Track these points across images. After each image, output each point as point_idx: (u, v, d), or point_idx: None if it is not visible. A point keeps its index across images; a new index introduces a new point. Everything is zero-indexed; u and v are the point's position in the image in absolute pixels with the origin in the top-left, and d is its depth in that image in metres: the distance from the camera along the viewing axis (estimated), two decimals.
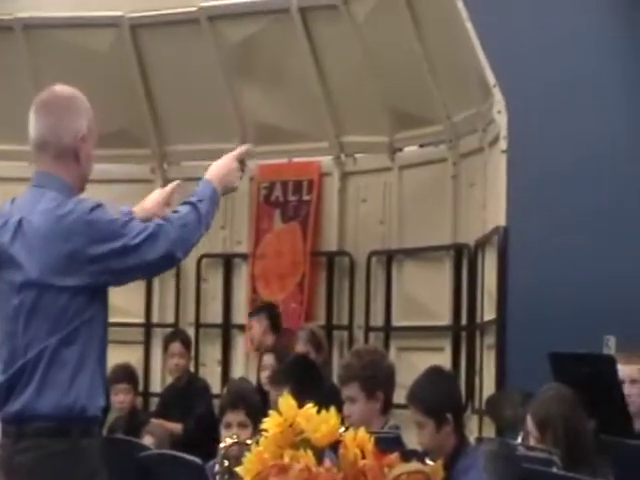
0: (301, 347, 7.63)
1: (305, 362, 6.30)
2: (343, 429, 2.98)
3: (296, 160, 9.67)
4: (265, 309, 8.75)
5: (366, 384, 4.99)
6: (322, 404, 3.00)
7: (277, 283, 9.28)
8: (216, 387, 8.89)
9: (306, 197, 9.39)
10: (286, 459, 2.92)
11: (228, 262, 9.57)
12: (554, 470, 3.60)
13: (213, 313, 9.71)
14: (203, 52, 9.33)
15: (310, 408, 2.99)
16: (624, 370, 4.99)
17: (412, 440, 4.77)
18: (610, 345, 6.19)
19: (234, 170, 3.95)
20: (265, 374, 7.29)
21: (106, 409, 4.88)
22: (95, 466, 3.69)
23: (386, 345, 8.43)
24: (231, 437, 4.60)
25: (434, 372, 5.06)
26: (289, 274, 9.32)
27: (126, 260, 3.62)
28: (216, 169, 3.92)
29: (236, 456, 3.71)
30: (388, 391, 5.03)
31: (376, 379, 5.00)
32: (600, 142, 7.47)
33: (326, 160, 9.51)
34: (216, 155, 4.02)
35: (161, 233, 3.65)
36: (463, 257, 8.26)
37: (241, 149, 4.09)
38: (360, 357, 5.12)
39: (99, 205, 3.66)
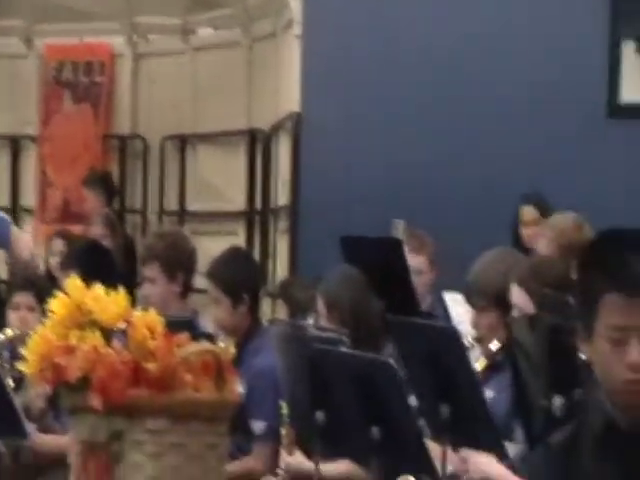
0: (97, 230, 7.69)
1: (95, 247, 6.36)
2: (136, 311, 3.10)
3: (87, 40, 9.58)
4: (101, 179, 8.63)
5: (167, 265, 5.07)
6: (114, 288, 3.10)
7: (68, 166, 9.30)
8: (3, 272, 8.83)
9: (98, 79, 9.39)
10: (72, 340, 2.97)
11: (15, 143, 9.46)
12: (343, 349, 3.81)
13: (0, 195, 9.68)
14: None
15: (98, 289, 3.08)
16: (412, 260, 5.29)
17: (208, 326, 4.96)
18: (399, 229, 6.51)
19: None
20: (55, 259, 7.28)
21: None
22: None
23: None
24: (19, 319, 4.71)
25: (235, 251, 5.22)
26: (80, 157, 9.34)
27: None
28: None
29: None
30: (188, 274, 5.18)
31: (177, 260, 5.11)
32: (398, 27, 7.65)
33: (118, 41, 9.44)
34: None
35: None
36: (257, 142, 8.41)
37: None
38: (162, 238, 5.21)
39: None
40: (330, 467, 3.98)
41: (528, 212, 6.56)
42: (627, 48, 7.80)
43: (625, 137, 7.41)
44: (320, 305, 4.46)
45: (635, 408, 2.30)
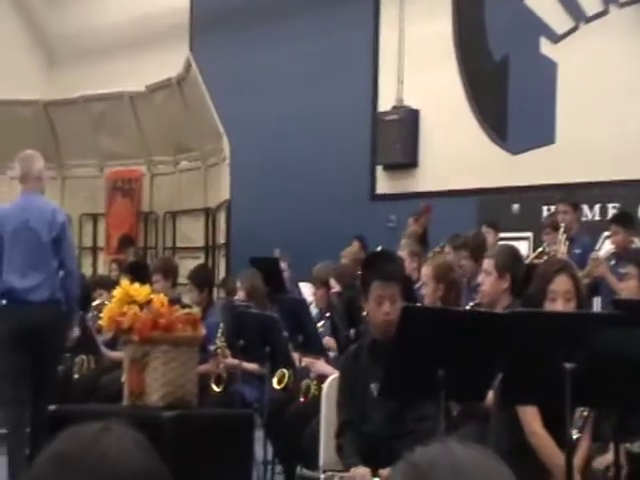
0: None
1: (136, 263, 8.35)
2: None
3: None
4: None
5: None
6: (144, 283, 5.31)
7: (120, 226, 13.26)
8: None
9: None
10: (125, 309, 4.54)
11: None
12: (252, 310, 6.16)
13: None
14: None
15: (136, 286, 4.73)
16: None
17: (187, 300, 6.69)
18: None
19: None
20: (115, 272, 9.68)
21: None
22: None
23: None
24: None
25: None
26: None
27: None
28: None
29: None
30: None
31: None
32: None
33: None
34: None
35: None
36: None
37: None
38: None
39: None
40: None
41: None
42: None
43: None
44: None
45: (385, 333, 3.79)
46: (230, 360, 6.29)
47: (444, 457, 1.06)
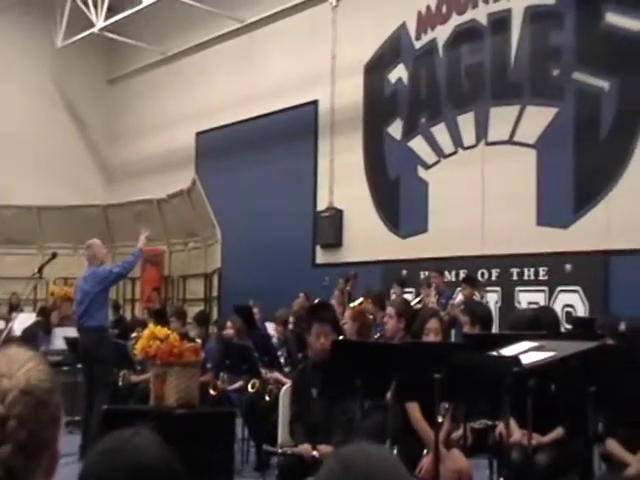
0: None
1: (159, 310, 7.58)
2: None
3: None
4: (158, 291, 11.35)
5: None
6: (164, 325, 5.17)
7: (150, 286, 12.41)
8: None
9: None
10: (150, 343, 4.57)
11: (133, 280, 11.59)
12: None
13: None
14: None
15: (158, 327, 4.70)
16: None
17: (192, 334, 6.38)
18: None
19: None
20: (144, 316, 8.87)
21: None
22: None
23: None
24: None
25: None
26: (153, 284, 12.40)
27: None
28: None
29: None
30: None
31: None
32: None
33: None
34: None
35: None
36: None
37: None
38: None
39: None
40: None
41: None
42: None
43: None
44: None
45: (321, 356, 3.60)
46: (224, 385, 6.13)
47: (360, 451, 1.04)
